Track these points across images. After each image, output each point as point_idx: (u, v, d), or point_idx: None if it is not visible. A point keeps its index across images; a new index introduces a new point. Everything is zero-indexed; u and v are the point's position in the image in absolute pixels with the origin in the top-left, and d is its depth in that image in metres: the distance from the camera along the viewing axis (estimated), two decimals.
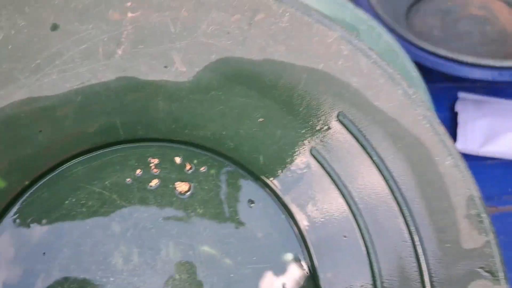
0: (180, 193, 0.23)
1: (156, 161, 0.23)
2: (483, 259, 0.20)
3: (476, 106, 0.49)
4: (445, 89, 0.53)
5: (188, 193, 0.23)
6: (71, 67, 0.20)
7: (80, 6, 0.19)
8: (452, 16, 0.60)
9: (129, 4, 0.20)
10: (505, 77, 0.46)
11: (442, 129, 0.21)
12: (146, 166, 0.23)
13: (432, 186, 0.21)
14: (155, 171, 0.23)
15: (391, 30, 0.47)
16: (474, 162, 0.45)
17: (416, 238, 0.21)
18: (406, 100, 0.21)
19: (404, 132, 0.21)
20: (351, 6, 0.44)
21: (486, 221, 0.20)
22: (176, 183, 0.23)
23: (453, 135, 0.47)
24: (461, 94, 0.51)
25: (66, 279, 0.20)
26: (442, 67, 0.47)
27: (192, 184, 0.23)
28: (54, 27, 0.19)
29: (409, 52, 0.44)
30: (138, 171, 0.23)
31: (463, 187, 0.20)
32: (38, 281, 0.20)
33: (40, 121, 0.20)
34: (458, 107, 0.50)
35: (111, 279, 0.21)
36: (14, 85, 0.19)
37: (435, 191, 0.21)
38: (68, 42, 0.20)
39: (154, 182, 0.23)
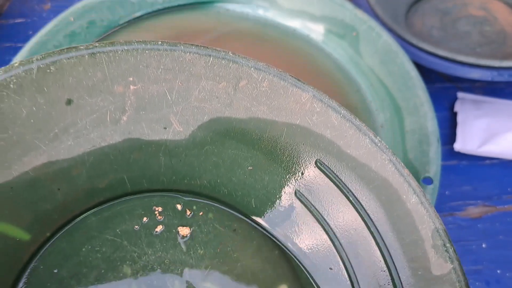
0: (183, 236, 0.26)
1: (160, 209, 0.26)
2: (451, 284, 0.22)
3: (475, 106, 0.49)
4: (444, 89, 0.53)
5: (189, 236, 0.26)
6: (83, 133, 0.24)
7: (90, 83, 0.23)
8: (451, 16, 0.59)
9: (130, 79, 0.23)
10: (504, 77, 0.46)
11: (406, 171, 0.24)
12: (151, 214, 0.26)
13: (402, 221, 0.24)
14: (159, 218, 0.26)
15: (390, 30, 0.47)
16: (473, 162, 0.45)
17: (392, 268, 0.24)
18: (373, 147, 0.24)
19: (374, 175, 0.24)
20: (350, 6, 0.44)
21: (451, 250, 0.23)
22: (178, 228, 0.26)
23: (452, 135, 0.47)
24: (460, 94, 0.51)
25: None
26: (441, 67, 0.47)
27: (192, 228, 0.26)
28: (69, 102, 0.23)
29: (408, 52, 0.44)
30: (145, 219, 0.26)
31: (428, 221, 0.23)
32: None
33: (58, 180, 0.23)
34: (457, 107, 0.49)
35: None
36: (36, 152, 0.22)
37: (405, 225, 0.24)
38: (81, 113, 0.23)
39: (159, 228, 0.26)
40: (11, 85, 0.21)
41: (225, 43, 0.42)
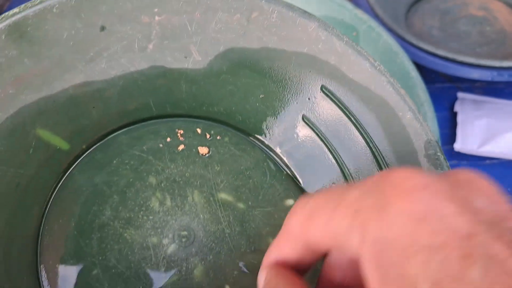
0: (202, 155, 0.29)
1: (181, 131, 0.29)
2: None
3: (475, 106, 0.50)
4: (444, 89, 0.54)
5: (208, 155, 0.29)
6: (115, 58, 0.27)
7: (121, 12, 0.26)
8: (451, 16, 0.60)
9: (155, 10, 0.27)
10: (504, 77, 0.46)
11: (403, 91, 0.26)
12: (174, 135, 0.29)
13: (398, 135, 0.26)
14: (181, 139, 0.29)
15: (391, 31, 0.48)
16: (473, 161, 0.46)
17: None
18: (373, 70, 0.26)
19: (373, 95, 0.27)
20: (350, 6, 0.45)
21: (441, 158, 0.25)
22: (198, 147, 0.29)
23: (452, 135, 0.48)
24: (460, 94, 0.52)
25: (115, 217, 0.26)
26: (441, 67, 0.47)
27: (210, 148, 0.29)
28: (102, 28, 0.26)
29: (408, 52, 0.45)
30: (168, 139, 0.29)
31: (421, 133, 0.26)
32: (95, 219, 0.26)
33: (93, 100, 0.27)
34: (457, 107, 0.50)
35: (150, 217, 0.27)
36: (74, 71, 0.26)
37: (401, 139, 0.26)
38: (112, 39, 0.26)
39: (181, 147, 0.29)
40: (54, 10, 0.24)
41: None
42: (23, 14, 0.23)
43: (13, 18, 0.23)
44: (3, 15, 0.23)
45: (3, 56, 0.23)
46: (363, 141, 0.27)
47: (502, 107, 0.49)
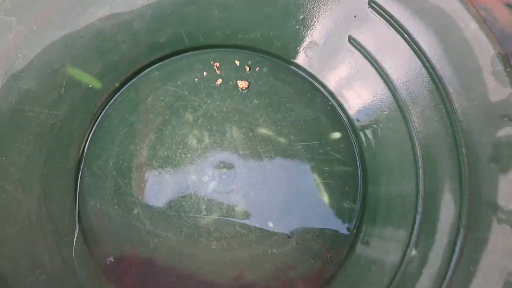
0: (242, 89, 0.27)
1: (217, 64, 0.27)
2: (508, 109, 0.21)
3: None
4: None
5: (247, 89, 0.27)
6: None
7: None
8: None
9: None
10: None
11: None
12: (210, 68, 0.27)
13: (459, 50, 0.23)
14: (218, 72, 0.27)
15: None
16: None
17: (446, 101, 0.23)
18: None
19: (430, 6, 0.23)
20: None
21: (511, 74, 0.21)
22: (238, 81, 0.27)
23: None
24: None
25: (153, 155, 0.25)
26: None
27: (250, 81, 0.27)
28: None
29: None
30: (205, 73, 0.27)
31: (488, 47, 0.22)
32: (133, 159, 0.25)
33: (122, 33, 0.25)
34: None
35: (188, 155, 0.25)
36: (99, 3, 0.24)
37: (463, 55, 0.23)
38: None
39: (219, 81, 0.27)
40: None
41: None
42: None
43: None
44: None
45: None
46: (418, 62, 0.24)
47: None
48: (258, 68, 0.27)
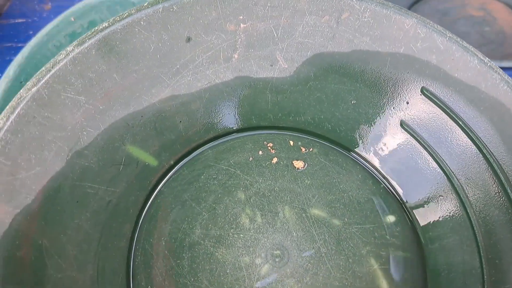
0: (297, 168, 0.27)
1: (271, 144, 0.28)
2: None
3: None
4: None
5: (302, 169, 0.27)
6: (200, 70, 0.26)
7: (206, 22, 0.25)
8: (451, 16, 0.59)
9: (241, 17, 0.25)
10: None
11: None
12: (264, 148, 0.28)
13: None
14: (272, 151, 0.28)
15: None
16: None
17: (508, 189, 0.23)
18: (482, 67, 0.24)
19: (484, 96, 0.24)
20: None
21: None
22: (293, 161, 0.27)
23: None
24: None
25: (205, 235, 0.25)
26: None
27: (306, 162, 0.27)
28: (188, 39, 0.25)
29: None
30: (260, 152, 0.27)
31: None
32: (185, 238, 0.25)
33: (180, 113, 0.26)
34: None
35: (241, 235, 0.25)
36: (161, 85, 0.25)
37: None
38: (198, 51, 0.26)
39: (274, 160, 0.27)
40: (142, 22, 0.24)
41: None
42: (112, 28, 0.23)
43: (102, 33, 0.23)
44: (93, 30, 0.23)
45: (93, 71, 0.23)
46: (474, 147, 0.24)
47: None
48: (311, 149, 0.28)
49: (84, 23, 0.38)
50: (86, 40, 0.22)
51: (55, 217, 0.22)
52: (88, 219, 0.23)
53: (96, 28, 0.23)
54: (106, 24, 0.23)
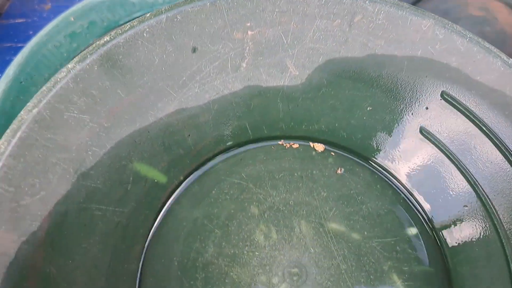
0: (318, 151, 0.26)
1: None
2: None
3: None
4: None
5: (323, 151, 0.26)
6: (208, 81, 0.25)
7: (212, 31, 0.24)
8: (451, 16, 0.56)
9: (248, 24, 0.24)
10: None
11: None
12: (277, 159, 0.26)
13: None
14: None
15: None
16: None
17: None
18: (506, 69, 0.22)
19: (510, 100, 0.22)
20: None
21: None
22: (313, 144, 0.26)
23: None
24: None
25: (219, 253, 0.24)
26: None
27: (314, 171, 0.26)
28: (194, 50, 0.24)
29: None
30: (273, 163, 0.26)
31: None
32: (198, 257, 0.24)
33: (188, 127, 0.25)
34: None
35: (256, 253, 0.24)
36: (167, 98, 0.24)
37: None
38: (205, 61, 0.24)
39: (283, 173, 0.26)
40: (145, 34, 0.23)
41: None
42: (114, 42, 0.22)
43: (104, 48, 0.22)
44: (94, 45, 0.22)
45: (96, 88, 0.22)
46: (500, 156, 0.23)
47: None
48: (323, 158, 0.27)
49: (84, 23, 0.37)
50: (87, 55, 0.21)
51: (62, 243, 0.21)
52: (96, 242, 0.22)
53: (98, 42, 0.22)
54: (108, 38, 0.22)
